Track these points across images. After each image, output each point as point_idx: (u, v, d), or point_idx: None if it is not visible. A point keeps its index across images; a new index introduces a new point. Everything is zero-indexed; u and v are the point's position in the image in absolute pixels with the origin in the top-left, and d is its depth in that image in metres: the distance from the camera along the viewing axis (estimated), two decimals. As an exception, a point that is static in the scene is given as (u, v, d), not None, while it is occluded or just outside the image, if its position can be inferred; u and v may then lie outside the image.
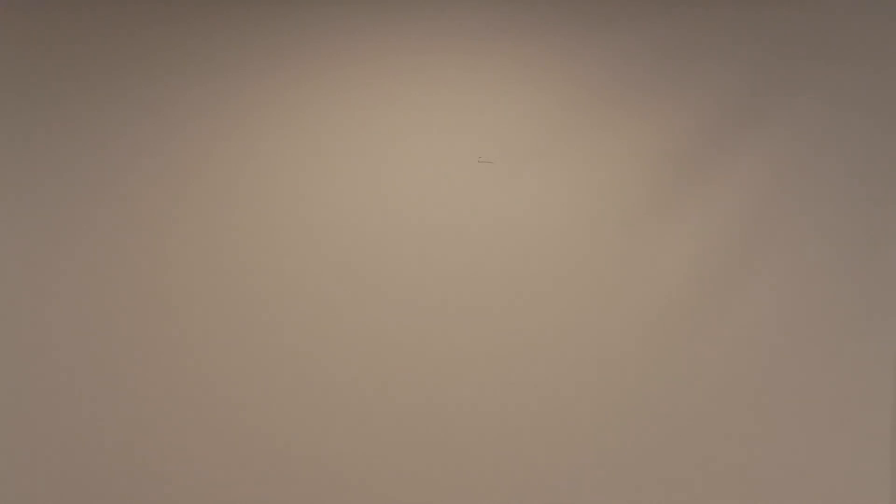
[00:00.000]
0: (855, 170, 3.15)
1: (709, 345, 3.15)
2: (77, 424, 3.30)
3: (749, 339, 3.14)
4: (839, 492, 3.09)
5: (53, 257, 3.35)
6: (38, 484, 3.30)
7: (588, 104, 3.25)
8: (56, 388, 3.31)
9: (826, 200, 3.15)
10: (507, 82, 3.28)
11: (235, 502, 3.24)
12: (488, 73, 3.28)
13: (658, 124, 3.21)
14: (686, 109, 3.21)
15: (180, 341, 3.30)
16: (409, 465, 3.21)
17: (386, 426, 3.22)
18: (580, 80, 3.26)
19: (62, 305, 3.33)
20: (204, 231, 3.32)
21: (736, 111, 3.20)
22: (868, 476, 3.09)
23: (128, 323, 3.31)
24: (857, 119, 3.15)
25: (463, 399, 3.21)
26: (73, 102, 3.39)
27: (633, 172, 3.22)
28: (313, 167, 3.31)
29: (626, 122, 3.23)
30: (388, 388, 3.23)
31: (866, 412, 3.09)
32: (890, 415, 3.09)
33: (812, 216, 3.15)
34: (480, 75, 3.28)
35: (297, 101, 3.34)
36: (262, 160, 3.33)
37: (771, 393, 3.13)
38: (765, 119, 3.19)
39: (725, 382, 3.14)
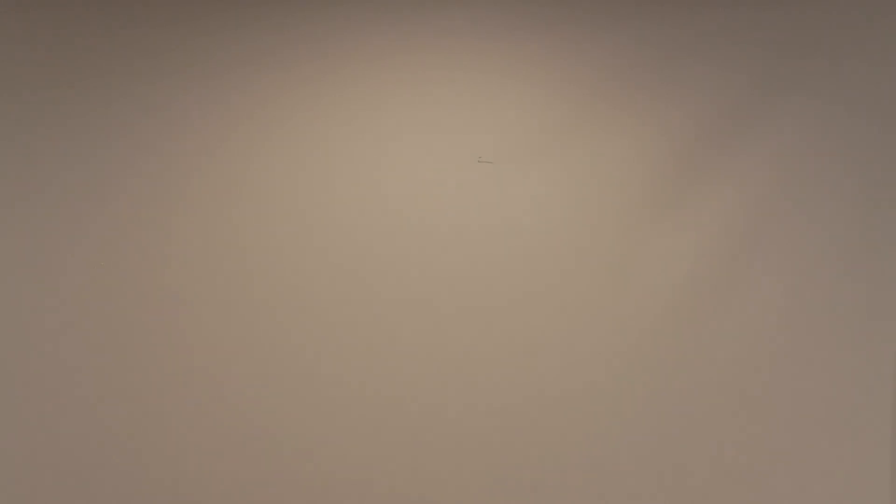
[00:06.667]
0: (855, 169, 3.15)
1: (709, 345, 3.15)
2: (77, 423, 3.29)
3: (749, 340, 3.14)
4: (839, 492, 3.09)
5: (54, 257, 3.35)
6: (38, 484, 3.29)
7: (588, 104, 3.25)
8: (56, 388, 3.31)
9: (826, 200, 3.15)
10: (507, 82, 3.28)
11: (237, 502, 3.24)
12: (488, 72, 3.28)
13: (658, 124, 3.22)
14: (686, 109, 3.21)
15: (181, 341, 3.29)
16: (411, 465, 3.21)
17: (386, 425, 3.22)
18: (581, 79, 3.26)
19: (63, 305, 3.33)
20: (204, 231, 3.32)
21: (736, 111, 3.20)
22: (868, 476, 3.08)
23: (128, 322, 3.31)
24: (857, 118, 3.16)
25: (464, 398, 3.21)
26: (74, 102, 3.39)
27: (634, 172, 3.22)
28: (314, 167, 3.32)
29: (627, 122, 3.23)
30: (387, 388, 3.23)
31: (866, 412, 3.09)
32: (890, 415, 3.09)
33: (812, 216, 3.15)
34: (481, 75, 3.28)
35: (297, 101, 3.34)
36: (263, 160, 3.33)
37: (771, 393, 3.13)
38: (765, 119, 3.19)
39: (726, 382, 3.14)
